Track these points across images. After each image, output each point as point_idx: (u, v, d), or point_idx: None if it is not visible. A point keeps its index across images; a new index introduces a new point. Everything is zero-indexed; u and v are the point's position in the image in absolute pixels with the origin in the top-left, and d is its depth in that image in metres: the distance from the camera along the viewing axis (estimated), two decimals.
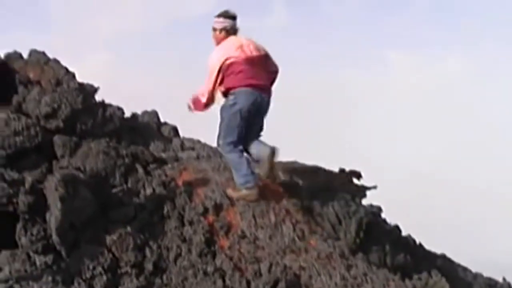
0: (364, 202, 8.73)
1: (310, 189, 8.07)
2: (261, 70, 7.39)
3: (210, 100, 7.39)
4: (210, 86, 7.28)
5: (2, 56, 9.61)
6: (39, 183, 6.69)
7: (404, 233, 9.06)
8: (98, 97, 9.28)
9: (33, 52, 9.73)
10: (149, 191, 7.31)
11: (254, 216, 7.02)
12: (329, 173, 8.80)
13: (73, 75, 9.22)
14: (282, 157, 8.78)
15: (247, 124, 7.31)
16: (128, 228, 6.56)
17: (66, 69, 9.38)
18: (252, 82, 7.20)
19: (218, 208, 7.15)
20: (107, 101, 9.45)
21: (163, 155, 8.84)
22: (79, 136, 7.95)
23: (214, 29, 7.51)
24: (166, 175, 7.70)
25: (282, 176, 8.15)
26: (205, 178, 7.70)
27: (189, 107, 7.53)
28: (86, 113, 8.30)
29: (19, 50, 9.95)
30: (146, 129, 10.15)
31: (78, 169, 7.31)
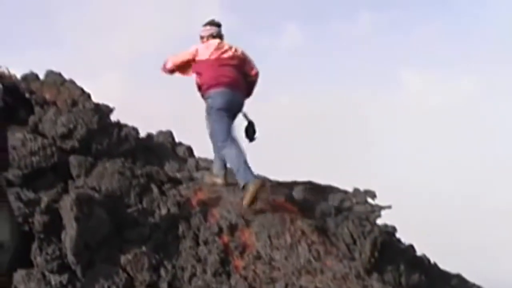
0: (379, 221, 8.71)
1: (324, 208, 8.07)
2: (236, 72, 7.84)
3: (171, 72, 8.10)
4: (172, 63, 8.00)
5: (19, 77, 9.69)
6: (54, 203, 6.71)
7: (419, 253, 9.01)
8: (113, 117, 9.34)
9: (49, 73, 9.81)
10: (164, 211, 7.31)
11: (269, 237, 7.01)
12: (344, 192, 8.80)
13: (89, 96, 9.29)
14: (297, 176, 8.80)
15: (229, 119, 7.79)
16: (143, 248, 6.57)
17: (82, 89, 9.46)
18: (225, 81, 7.67)
19: (233, 228, 7.14)
20: (122, 121, 9.50)
21: (178, 175, 8.85)
22: (95, 156, 7.99)
23: (202, 37, 8.08)
24: (181, 195, 7.71)
25: (295, 195, 8.16)
26: (220, 198, 7.70)
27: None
28: (101, 133, 8.35)
29: (35, 70, 10.04)
30: (161, 149, 10.18)
31: (94, 189, 7.33)
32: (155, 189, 7.64)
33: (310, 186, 8.64)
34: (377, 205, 8.77)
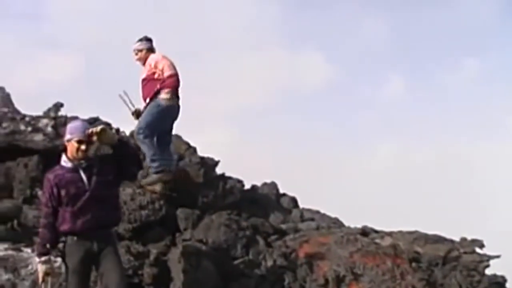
0: (488, 271, 8.41)
1: (432, 259, 7.88)
2: None
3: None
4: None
5: (128, 133, 10.00)
6: (163, 255, 6.84)
7: None
8: (218, 170, 9.49)
9: None
10: (270, 262, 7.32)
11: None
12: (451, 242, 8.57)
13: (195, 150, 9.49)
14: (403, 227, 8.63)
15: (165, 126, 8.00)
16: None
17: (188, 144, 9.67)
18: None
19: (340, 280, 7.06)
20: (227, 174, 9.64)
21: (283, 226, 8.86)
22: (201, 209, 8.10)
23: (140, 50, 8.19)
24: (287, 246, 7.71)
25: (402, 246, 8.01)
26: (327, 251, 7.64)
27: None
28: (207, 186, 8.48)
29: None
30: (266, 201, 10.22)
31: (201, 241, 7.43)
32: (261, 241, 7.67)
33: (417, 236, 8.46)
34: (485, 255, 8.47)
